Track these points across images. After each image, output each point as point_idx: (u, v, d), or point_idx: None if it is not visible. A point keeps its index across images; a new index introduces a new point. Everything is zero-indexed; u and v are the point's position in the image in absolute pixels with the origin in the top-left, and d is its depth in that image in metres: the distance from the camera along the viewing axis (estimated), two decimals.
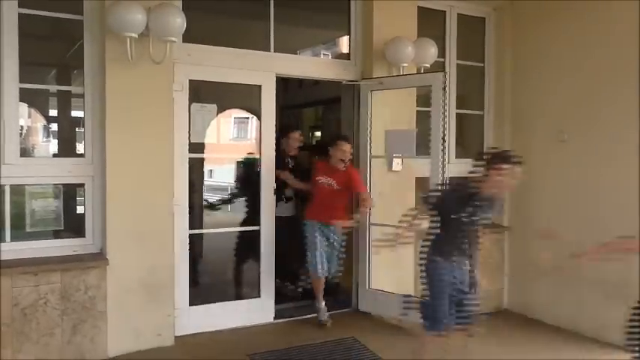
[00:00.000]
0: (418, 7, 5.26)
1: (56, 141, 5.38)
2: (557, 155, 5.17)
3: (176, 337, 4.37)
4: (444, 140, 4.54)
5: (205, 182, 6.95)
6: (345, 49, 5.75)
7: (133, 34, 3.90)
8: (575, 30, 5.03)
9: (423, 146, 4.81)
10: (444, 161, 4.55)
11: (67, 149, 5.10)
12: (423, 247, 3.50)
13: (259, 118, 4.95)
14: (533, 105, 5.47)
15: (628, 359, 4.45)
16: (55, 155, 4.97)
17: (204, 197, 6.81)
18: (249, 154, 6.10)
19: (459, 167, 5.70)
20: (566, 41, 5.10)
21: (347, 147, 4.83)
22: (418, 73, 5.09)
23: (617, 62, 4.67)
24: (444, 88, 4.55)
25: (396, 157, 5.05)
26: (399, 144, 4.95)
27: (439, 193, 3.56)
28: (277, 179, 5.00)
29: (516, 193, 5.62)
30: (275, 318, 4.94)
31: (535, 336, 4.90)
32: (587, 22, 4.91)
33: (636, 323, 3.17)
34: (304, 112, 10.09)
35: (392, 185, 5.06)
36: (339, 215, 4.72)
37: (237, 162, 6.45)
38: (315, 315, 4.93)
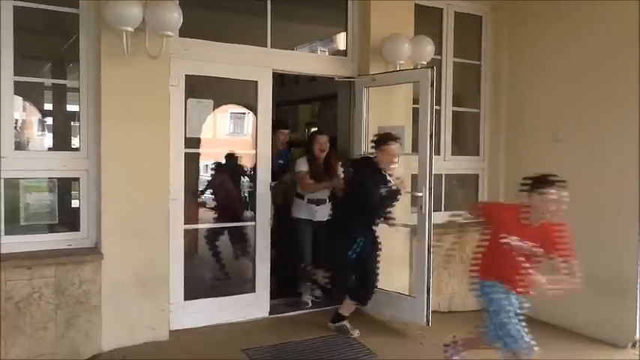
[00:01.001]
0: (415, 4, 5.26)
1: (51, 135, 5.35)
2: (552, 154, 5.18)
3: (171, 331, 4.37)
4: (431, 137, 4.53)
5: (201, 177, 6.94)
6: (342, 46, 5.75)
7: (129, 28, 3.88)
8: (571, 29, 5.03)
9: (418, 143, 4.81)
10: (431, 157, 4.55)
11: (62, 143, 5.08)
12: None
13: (256, 113, 4.94)
14: (528, 104, 5.48)
15: (619, 357, 4.51)
16: (50, 149, 4.94)
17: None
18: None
19: (454, 164, 5.76)
20: (563, 40, 5.11)
21: (560, 195, 3.24)
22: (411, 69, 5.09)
23: (613, 61, 4.68)
24: (432, 84, 4.54)
25: None
26: None
27: None
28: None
29: (511, 191, 5.67)
30: (270, 313, 4.94)
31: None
32: (583, 22, 4.93)
33: None
34: (300, 109, 10.08)
35: None
36: (521, 279, 3.33)
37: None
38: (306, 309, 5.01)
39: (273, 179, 5.03)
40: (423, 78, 4.62)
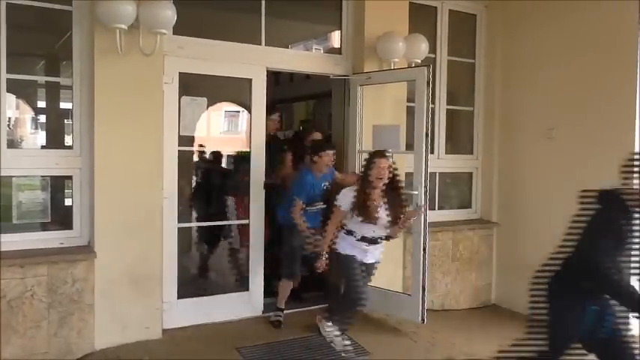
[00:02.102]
0: (410, 2, 5.27)
1: (44, 133, 5.33)
2: (546, 152, 5.21)
3: (164, 330, 4.36)
4: (427, 135, 4.54)
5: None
6: (336, 44, 5.74)
7: (123, 26, 3.87)
8: (565, 28, 5.05)
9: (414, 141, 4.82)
10: (427, 156, 4.55)
11: (55, 141, 5.04)
12: None
13: (250, 111, 4.93)
14: (522, 102, 5.50)
15: None
16: (42, 147, 4.91)
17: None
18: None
19: (448, 163, 5.77)
20: (557, 39, 5.12)
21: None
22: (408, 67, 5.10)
23: (607, 60, 4.70)
24: (428, 83, 4.55)
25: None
26: (386, 139, 4.93)
27: None
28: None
29: (505, 190, 5.70)
30: (264, 312, 4.93)
31: (522, 331, 4.92)
32: (577, 20, 4.94)
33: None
34: (295, 107, 10.10)
35: None
36: None
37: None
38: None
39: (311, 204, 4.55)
40: (419, 77, 4.62)
